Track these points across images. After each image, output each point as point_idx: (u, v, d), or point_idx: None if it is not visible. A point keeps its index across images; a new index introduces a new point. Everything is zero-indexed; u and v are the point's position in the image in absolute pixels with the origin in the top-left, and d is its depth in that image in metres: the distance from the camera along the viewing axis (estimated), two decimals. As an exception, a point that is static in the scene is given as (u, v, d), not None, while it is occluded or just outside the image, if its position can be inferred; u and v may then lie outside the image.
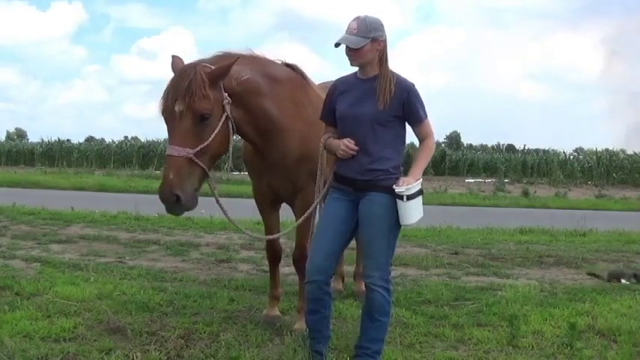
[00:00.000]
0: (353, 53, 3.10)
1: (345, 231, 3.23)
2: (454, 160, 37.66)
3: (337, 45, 3.11)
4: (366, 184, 3.12)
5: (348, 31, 3.09)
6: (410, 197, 2.99)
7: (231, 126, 3.21)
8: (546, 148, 42.22)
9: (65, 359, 3.32)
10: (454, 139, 65.23)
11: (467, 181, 30.47)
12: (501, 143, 49.95)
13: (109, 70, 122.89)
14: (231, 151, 3.29)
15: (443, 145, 49.86)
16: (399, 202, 3.02)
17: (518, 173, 34.25)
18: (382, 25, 3.14)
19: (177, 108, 3.02)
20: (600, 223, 10.38)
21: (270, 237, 3.92)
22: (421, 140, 3.24)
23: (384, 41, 3.14)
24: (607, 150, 35.61)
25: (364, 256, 3.24)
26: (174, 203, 3.01)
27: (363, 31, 3.06)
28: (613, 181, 31.58)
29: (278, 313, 4.19)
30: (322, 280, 3.21)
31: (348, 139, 3.12)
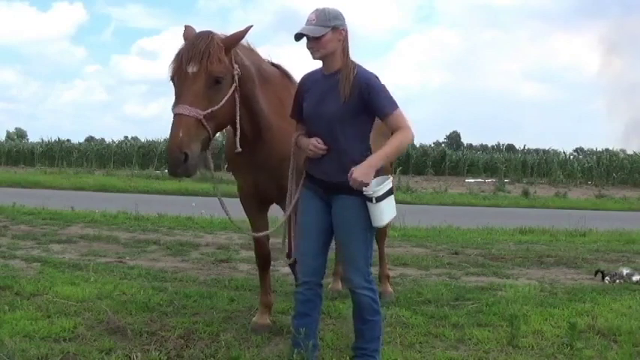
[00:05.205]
0: (314, 44, 2.99)
1: (324, 228, 3.17)
2: (454, 160, 37.66)
3: (298, 38, 3.01)
4: (334, 187, 3.04)
5: (307, 23, 3.00)
6: (379, 198, 2.94)
7: (238, 98, 3.18)
8: (546, 148, 42.24)
9: (65, 359, 3.32)
10: (454, 139, 65.25)
11: (467, 181, 30.45)
12: (501, 143, 49.87)
13: (109, 70, 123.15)
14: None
15: (443, 145, 49.83)
16: (368, 204, 2.97)
17: (518, 173, 34.23)
18: (342, 15, 3.03)
19: (190, 70, 2.98)
20: (600, 223, 10.38)
21: (258, 234, 3.81)
22: (393, 133, 3.05)
23: (346, 31, 3.03)
24: (607, 150, 35.69)
25: (342, 259, 3.18)
26: (182, 162, 2.92)
27: (322, 20, 2.97)
28: (613, 181, 31.60)
29: (268, 321, 4.02)
30: (315, 281, 3.18)
31: (317, 138, 3.05)
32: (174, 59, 3.07)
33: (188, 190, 16.68)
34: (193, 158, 2.94)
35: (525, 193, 20.49)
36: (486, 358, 3.61)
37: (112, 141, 40.61)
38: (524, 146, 42.36)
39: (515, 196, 20.11)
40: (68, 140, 41.35)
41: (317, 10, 3.02)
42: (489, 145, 49.18)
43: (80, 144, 41.17)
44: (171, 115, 2.99)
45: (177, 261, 6.39)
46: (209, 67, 2.99)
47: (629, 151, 34.97)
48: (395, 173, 5.52)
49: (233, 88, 3.14)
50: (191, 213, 10.19)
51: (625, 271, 5.93)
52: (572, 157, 37.67)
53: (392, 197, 3.02)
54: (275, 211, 4.07)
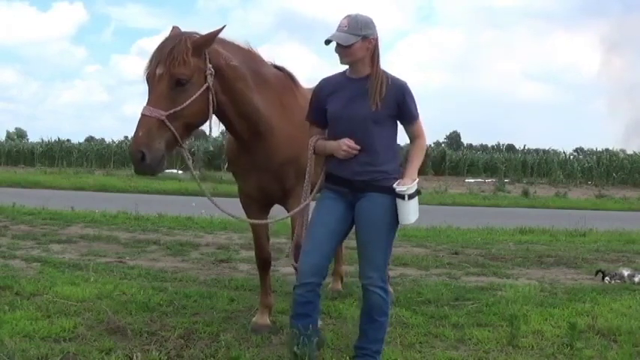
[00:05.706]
0: (343, 51, 3.07)
1: (339, 230, 3.18)
2: (454, 160, 37.65)
3: (327, 42, 3.08)
4: (364, 185, 3.10)
5: (339, 29, 3.06)
6: (410, 196, 3.00)
7: (211, 98, 3.21)
8: (546, 148, 42.28)
9: (65, 359, 3.32)
10: (454, 139, 65.28)
11: (467, 181, 30.45)
12: (501, 143, 49.93)
13: (109, 70, 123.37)
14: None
15: (443, 145, 49.84)
16: (399, 201, 3.01)
17: (519, 173, 34.24)
18: (373, 24, 3.10)
19: (157, 71, 3.09)
20: (600, 223, 10.38)
21: (255, 222, 3.81)
22: (412, 139, 3.24)
23: (376, 40, 3.10)
24: (607, 150, 35.71)
25: (361, 257, 3.18)
26: (140, 161, 3.02)
27: (353, 28, 3.03)
28: (613, 181, 31.60)
29: (268, 322, 4.02)
30: (316, 282, 3.14)
31: (348, 139, 3.07)
32: (148, 61, 3.17)
33: (188, 190, 16.67)
34: (151, 157, 3.03)
35: (525, 193, 20.49)
36: (486, 358, 3.61)
37: (112, 141, 40.63)
38: (524, 146, 42.46)
39: (515, 196, 20.11)
40: (68, 140, 41.40)
41: (349, 16, 3.07)
42: (489, 145, 49.28)
43: (80, 144, 41.19)
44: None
45: (177, 261, 6.39)
46: (172, 69, 3.08)
47: (629, 151, 35.04)
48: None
49: (203, 88, 3.17)
50: (191, 213, 10.18)
51: (626, 272, 5.92)
52: (572, 157, 37.71)
53: (417, 198, 3.07)
54: (276, 212, 4.07)
